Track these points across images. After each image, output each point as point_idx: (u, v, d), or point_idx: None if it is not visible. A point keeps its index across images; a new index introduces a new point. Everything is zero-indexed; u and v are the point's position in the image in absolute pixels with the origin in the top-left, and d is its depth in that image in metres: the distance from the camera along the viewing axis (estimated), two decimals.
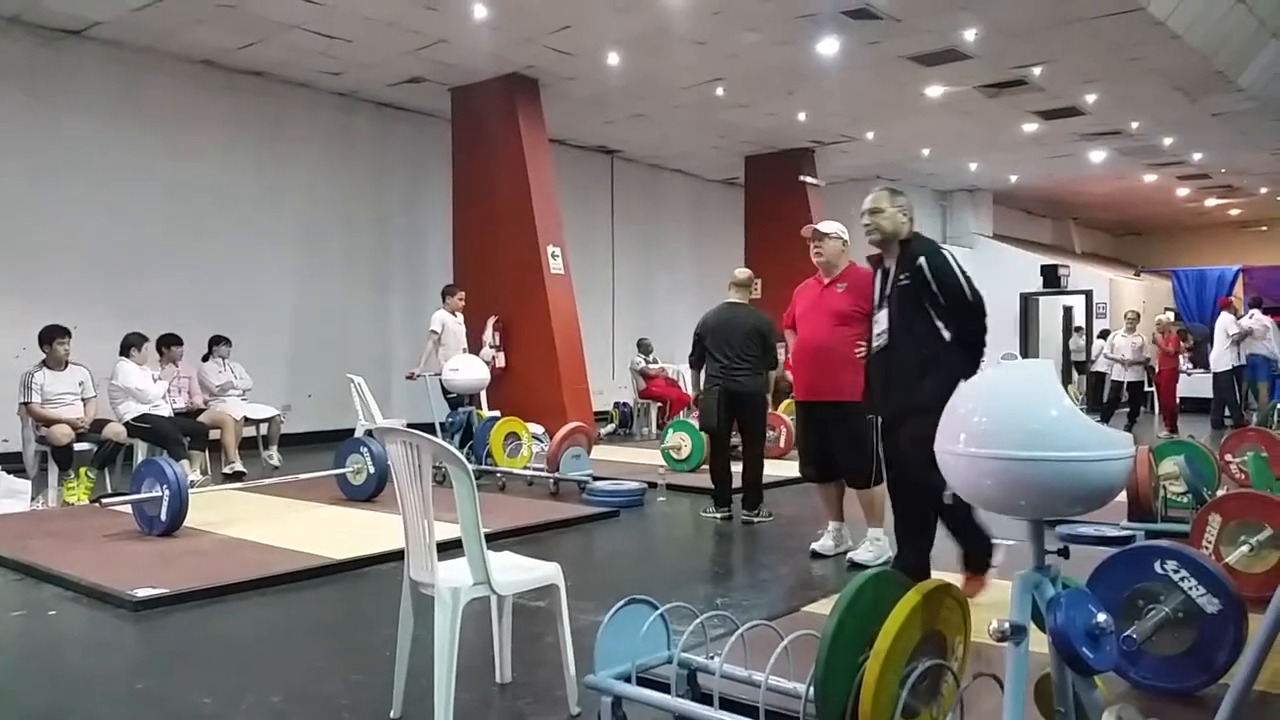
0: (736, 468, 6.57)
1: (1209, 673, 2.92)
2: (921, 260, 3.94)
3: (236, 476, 7.83)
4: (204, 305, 9.92)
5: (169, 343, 8.36)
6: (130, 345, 7.64)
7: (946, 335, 3.90)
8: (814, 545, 5.30)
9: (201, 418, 8.18)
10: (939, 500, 3.81)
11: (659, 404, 12.45)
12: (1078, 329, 18.14)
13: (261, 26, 9.18)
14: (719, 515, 6.44)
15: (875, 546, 5.07)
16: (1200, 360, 14.65)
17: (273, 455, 8.80)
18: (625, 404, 12.85)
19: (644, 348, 12.67)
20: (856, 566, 4.94)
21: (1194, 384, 13.73)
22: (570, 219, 11.60)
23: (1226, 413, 12.63)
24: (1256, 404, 13.17)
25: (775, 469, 7.61)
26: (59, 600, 4.43)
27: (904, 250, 4.06)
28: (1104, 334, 15.89)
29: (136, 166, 9.78)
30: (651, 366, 12.60)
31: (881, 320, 4.12)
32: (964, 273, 3.93)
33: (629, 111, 12.37)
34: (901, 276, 4.01)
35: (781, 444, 9.27)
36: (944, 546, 5.44)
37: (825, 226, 5.26)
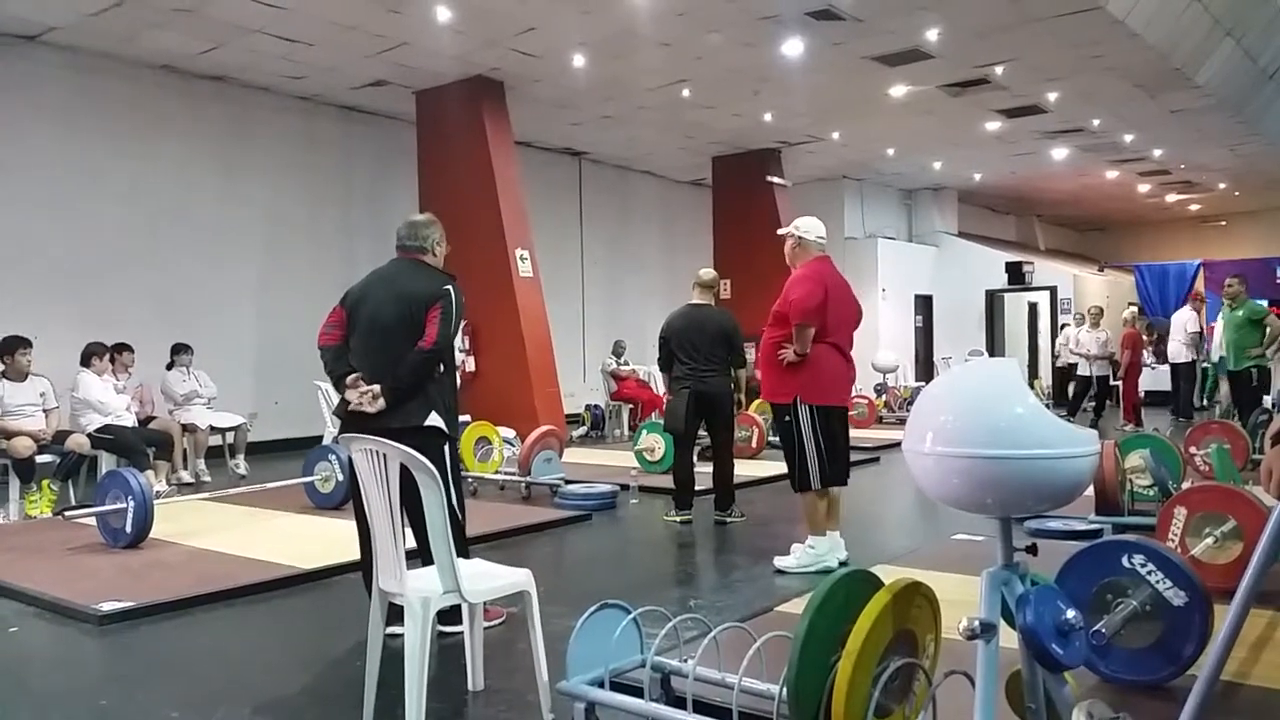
0: (703, 469, 6.57)
1: (1177, 664, 2.95)
2: None
3: (184, 487, 7.75)
4: (167, 313, 9.77)
5: (119, 349, 8.20)
6: (91, 356, 7.51)
7: None
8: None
9: (151, 426, 8.04)
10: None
11: (631, 406, 12.44)
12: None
13: (221, 31, 9.07)
14: (679, 519, 6.37)
15: (805, 555, 4.91)
16: (1163, 354, 14.84)
17: (240, 464, 8.70)
18: (597, 406, 12.82)
19: (618, 350, 12.66)
20: (779, 572, 4.90)
21: (1157, 377, 13.91)
22: (538, 222, 11.56)
23: (1204, 403, 12.80)
24: (1220, 397, 13.37)
25: (746, 469, 7.63)
26: (21, 616, 4.35)
27: None
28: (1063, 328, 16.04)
29: (96, 173, 9.62)
30: (623, 368, 12.58)
31: None
32: None
33: (596, 113, 12.35)
34: None
35: (753, 444, 9.30)
36: (907, 544, 5.46)
37: (789, 227, 5.13)
